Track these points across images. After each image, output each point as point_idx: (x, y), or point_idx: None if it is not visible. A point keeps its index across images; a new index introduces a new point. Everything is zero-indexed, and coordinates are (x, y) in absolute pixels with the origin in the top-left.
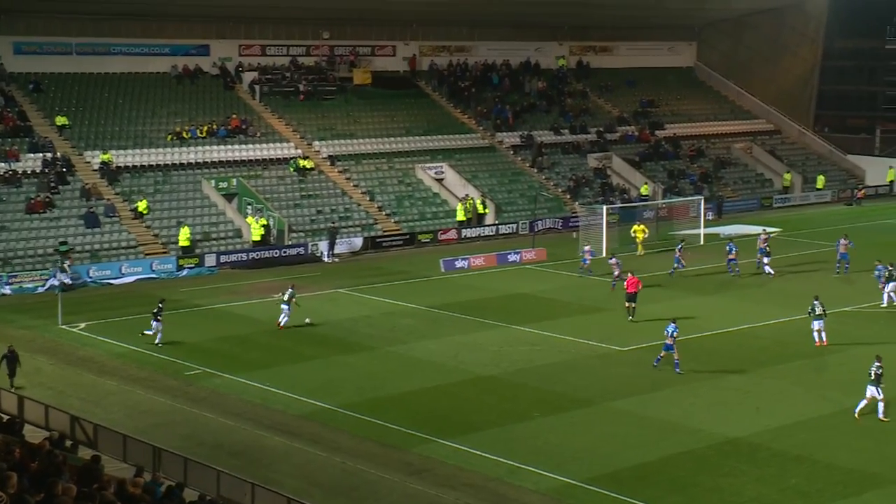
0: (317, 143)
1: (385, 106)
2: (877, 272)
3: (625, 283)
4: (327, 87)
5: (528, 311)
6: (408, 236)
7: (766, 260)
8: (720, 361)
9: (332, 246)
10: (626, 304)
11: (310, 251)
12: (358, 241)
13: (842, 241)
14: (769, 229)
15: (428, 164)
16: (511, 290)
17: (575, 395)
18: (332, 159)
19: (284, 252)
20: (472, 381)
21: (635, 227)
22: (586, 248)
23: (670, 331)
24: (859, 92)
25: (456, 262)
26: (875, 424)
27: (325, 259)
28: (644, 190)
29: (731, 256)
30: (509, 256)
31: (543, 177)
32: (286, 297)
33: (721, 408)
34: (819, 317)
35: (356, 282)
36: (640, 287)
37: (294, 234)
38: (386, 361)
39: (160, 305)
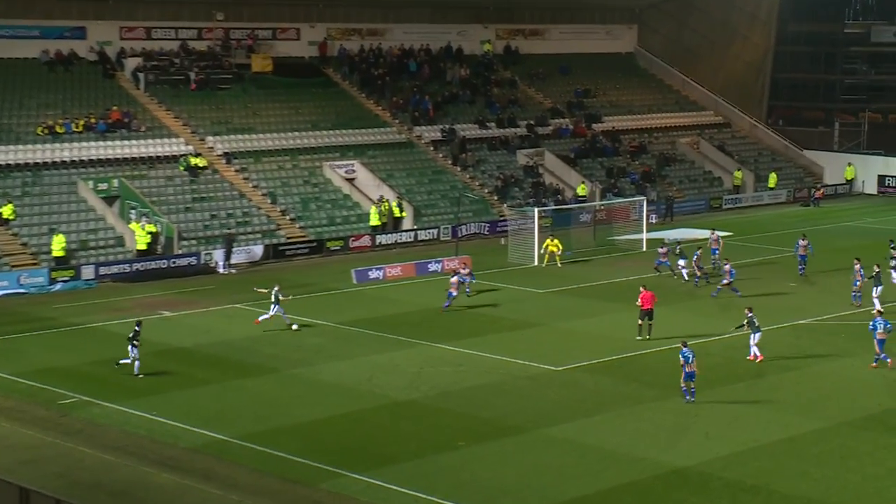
0: (210, 138)
1: (288, 96)
2: (858, 275)
3: (638, 299)
4: (222, 75)
5: (452, 327)
6: (315, 244)
7: (681, 263)
8: (665, 381)
9: (228, 255)
10: (640, 322)
11: (203, 261)
12: (258, 250)
13: (800, 241)
14: (719, 233)
15: (337, 162)
16: (432, 303)
17: (504, 421)
18: (228, 157)
19: (174, 263)
20: (388, 407)
21: (548, 241)
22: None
23: (688, 357)
24: (816, 80)
25: (369, 273)
26: (835, 450)
27: (221, 270)
28: (581, 190)
29: (680, 263)
30: (430, 266)
31: (467, 176)
32: (273, 297)
33: (667, 433)
34: (756, 329)
35: (256, 296)
36: (656, 301)
37: (185, 243)
38: (290, 386)
39: (137, 329)
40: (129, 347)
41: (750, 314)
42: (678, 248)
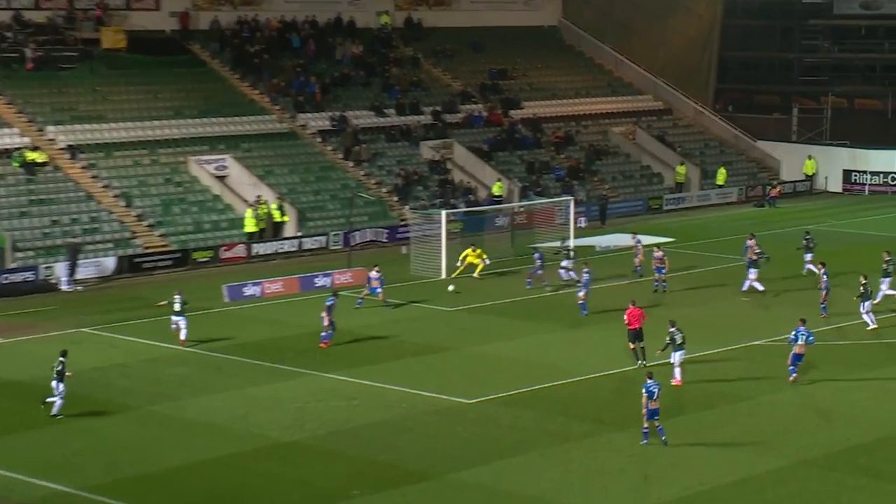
0: (51, 128)
1: (146, 78)
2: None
3: (624, 317)
4: (65, 52)
5: (344, 354)
6: (179, 254)
7: (564, 264)
8: (597, 414)
9: (72, 269)
10: (631, 345)
11: (42, 276)
12: (109, 262)
13: (749, 242)
14: (660, 239)
15: (205, 157)
16: (319, 325)
17: (407, 465)
18: (73, 151)
19: (5, 278)
20: (267, 450)
21: (469, 251)
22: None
23: (653, 392)
24: (771, 59)
25: (244, 289)
26: (795, 494)
27: (64, 287)
28: (496, 189)
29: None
30: (317, 280)
31: (362, 172)
32: (177, 307)
33: (599, 477)
34: (679, 347)
35: (107, 318)
36: (644, 320)
37: (20, 254)
38: (149, 425)
39: (62, 360)
40: (55, 383)
41: (672, 329)
42: (569, 250)
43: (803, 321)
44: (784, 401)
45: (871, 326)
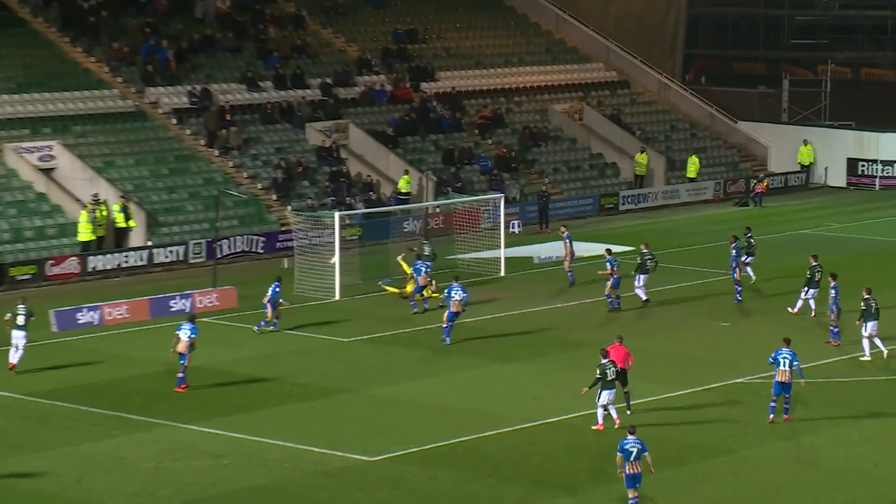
0: None
1: None
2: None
3: (604, 355)
4: None
5: (209, 399)
6: None
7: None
8: (534, 475)
9: None
10: (624, 390)
11: None
12: None
13: (733, 246)
14: (615, 247)
15: (26, 144)
16: (176, 361)
17: None
18: None
19: None
20: None
21: (401, 259)
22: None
23: (630, 452)
24: (754, 18)
25: (78, 315)
26: None
27: None
28: (404, 184)
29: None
30: (172, 303)
31: (230, 164)
32: (21, 320)
33: None
34: (609, 385)
35: None
36: (630, 362)
37: None
38: None
39: None
40: None
41: (605, 361)
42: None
43: (787, 341)
44: (774, 455)
45: (865, 357)
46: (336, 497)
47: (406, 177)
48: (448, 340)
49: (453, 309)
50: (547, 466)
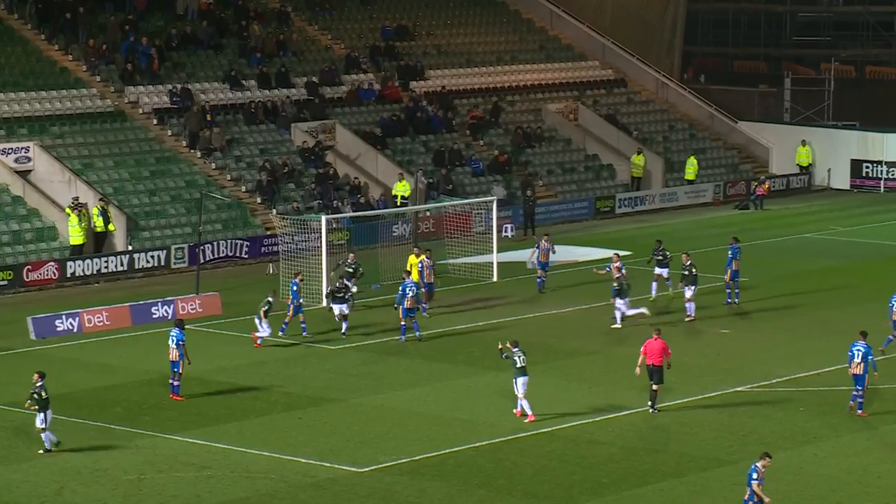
0: None
1: None
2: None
3: (641, 349)
4: None
5: (193, 409)
6: None
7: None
8: (527, 487)
9: None
10: (654, 388)
11: None
12: None
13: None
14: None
15: (2, 145)
16: (159, 369)
17: None
18: None
19: None
20: None
21: (412, 258)
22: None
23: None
24: (755, 13)
25: (57, 322)
26: None
27: None
28: (401, 188)
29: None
30: (154, 310)
31: (213, 166)
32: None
33: None
34: (521, 371)
35: None
36: (668, 355)
37: None
38: None
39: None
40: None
41: (516, 349)
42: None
43: (863, 334)
44: (775, 465)
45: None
46: None
47: (403, 181)
48: (403, 339)
49: (407, 305)
50: (540, 478)
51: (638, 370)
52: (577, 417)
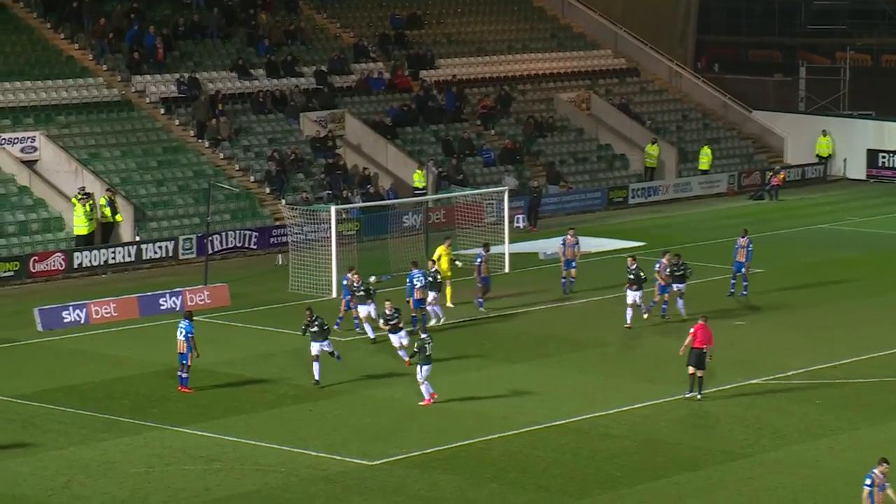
0: None
1: None
2: None
3: (690, 333)
4: None
5: (202, 401)
6: None
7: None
8: (539, 480)
9: None
10: (691, 371)
11: None
12: None
13: (741, 240)
14: (625, 243)
15: (7, 135)
16: (167, 361)
17: None
18: None
19: None
20: None
21: (442, 248)
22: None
23: None
24: (768, 2)
25: (64, 314)
26: None
27: None
28: (418, 179)
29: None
30: (162, 301)
31: (221, 155)
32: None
33: None
34: (427, 359)
35: None
36: (711, 344)
37: None
38: None
39: None
40: None
41: (424, 336)
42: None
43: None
44: (791, 459)
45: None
46: (334, 503)
47: (419, 172)
48: (415, 330)
49: (417, 296)
50: (553, 471)
51: (683, 350)
52: (590, 410)
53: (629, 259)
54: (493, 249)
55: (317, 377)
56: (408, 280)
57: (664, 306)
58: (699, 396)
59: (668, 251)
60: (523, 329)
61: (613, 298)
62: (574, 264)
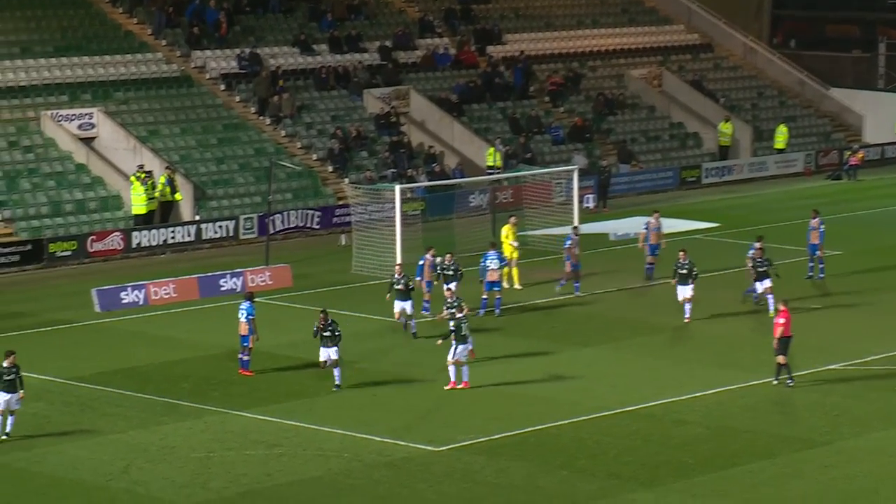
0: None
1: None
2: None
3: (774, 320)
4: None
5: (263, 384)
6: (29, 247)
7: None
8: (610, 467)
9: None
10: (778, 359)
11: None
12: None
13: (812, 221)
14: (698, 224)
15: (65, 112)
16: (227, 343)
17: None
18: None
19: None
20: None
21: (507, 227)
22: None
23: None
24: None
25: (122, 295)
26: None
27: None
28: (491, 158)
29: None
30: (223, 282)
31: (283, 133)
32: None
33: None
34: (462, 339)
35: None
36: (784, 322)
37: None
38: None
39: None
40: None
41: (459, 315)
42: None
43: None
44: (870, 446)
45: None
46: (398, 490)
47: (492, 150)
48: (482, 312)
49: (489, 279)
50: (624, 458)
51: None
52: (662, 396)
53: (681, 253)
54: (561, 230)
55: (337, 381)
56: (482, 260)
57: (754, 291)
58: (790, 383)
59: (762, 237)
60: (594, 312)
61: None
62: (658, 251)
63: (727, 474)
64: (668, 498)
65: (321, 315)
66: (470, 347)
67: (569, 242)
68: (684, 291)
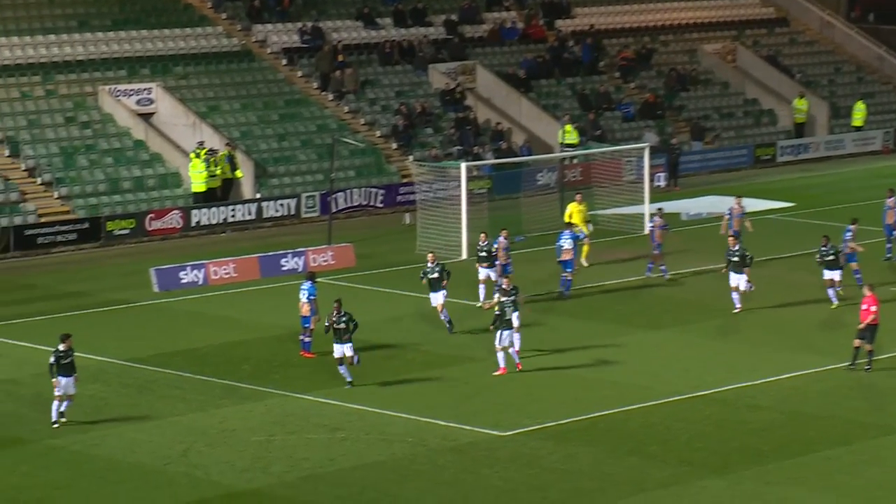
0: None
1: None
2: None
3: (867, 305)
4: None
5: (325, 367)
6: (87, 225)
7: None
8: (682, 454)
9: None
10: (856, 343)
11: None
12: None
13: (888, 201)
14: (773, 203)
15: (123, 87)
16: (289, 324)
17: None
18: None
19: None
20: (217, 501)
21: (574, 206)
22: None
23: None
24: None
25: (181, 274)
26: None
27: None
28: (569, 135)
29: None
30: (284, 262)
31: (346, 109)
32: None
33: None
34: (506, 325)
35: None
36: (876, 310)
37: None
38: (47, 467)
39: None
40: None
41: (504, 299)
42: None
43: None
44: None
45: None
46: (463, 475)
47: (568, 127)
48: (567, 293)
49: (564, 258)
50: (696, 444)
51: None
52: (735, 380)
53: (730, 239)
54: (632, 209)
55: (348, 378)
56: (557, 239)
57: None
58: (868, 368)
59: (856, 219)
60: (665, 294)
61: (760, 262)
62: (741, 236)
63: (802, 461)
64: (740, 485)
65: (335, 304)
66: (516, 333)
67: (651, 225)
68: (737, 280)
